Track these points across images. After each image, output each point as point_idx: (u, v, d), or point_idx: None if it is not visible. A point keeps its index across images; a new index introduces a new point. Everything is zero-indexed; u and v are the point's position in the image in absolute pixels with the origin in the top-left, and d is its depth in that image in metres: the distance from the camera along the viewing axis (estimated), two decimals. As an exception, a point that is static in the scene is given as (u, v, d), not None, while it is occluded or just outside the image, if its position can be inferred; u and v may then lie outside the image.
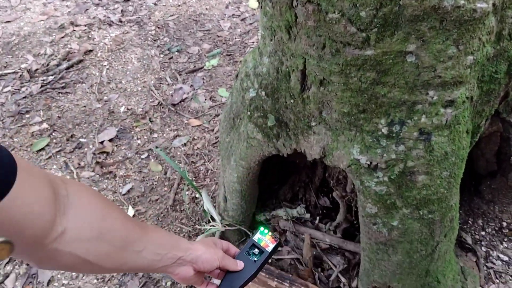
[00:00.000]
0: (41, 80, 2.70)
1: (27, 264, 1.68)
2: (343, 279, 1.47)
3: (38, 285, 1.66)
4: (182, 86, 2.64)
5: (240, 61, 2.84)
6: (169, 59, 2.90)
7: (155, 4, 3.43)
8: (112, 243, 0.72)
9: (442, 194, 1.07)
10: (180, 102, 2.55)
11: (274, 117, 1.22)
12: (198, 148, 2.22)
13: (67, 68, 2.79)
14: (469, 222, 1.68)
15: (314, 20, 0.87)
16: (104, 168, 2.14)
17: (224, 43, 3.03)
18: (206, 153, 2.19)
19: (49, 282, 1.67)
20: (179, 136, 2.30)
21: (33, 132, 2.35)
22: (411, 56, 0.87)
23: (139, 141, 2.29)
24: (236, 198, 1.53)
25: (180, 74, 2.76)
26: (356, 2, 0.80)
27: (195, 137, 2.29)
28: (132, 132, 2.35)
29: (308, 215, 1.68)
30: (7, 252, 0.54)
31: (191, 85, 2.67)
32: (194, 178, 2.06)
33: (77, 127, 2.40)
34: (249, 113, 1.28)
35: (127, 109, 2.50)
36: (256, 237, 1.05)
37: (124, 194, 2.00)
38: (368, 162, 1.04)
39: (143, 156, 2.20)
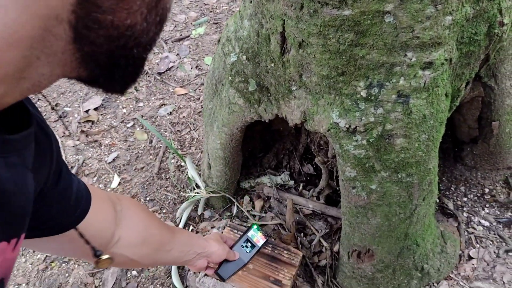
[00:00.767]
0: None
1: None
2: (325, 244, 1.49)
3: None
4: (168, 55, 2.60)
5: (227, 29, 2.79)
6: (155, 27, 2.84)
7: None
8: (151, 246, 0.93)
9: (420, 157, 1.08)
10: (166, 71, 2.52)
11: (255, 81, 1.21)
12: (183, 116, 2.21)
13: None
14: (452, 188, 1.70)
15: (291, -22, 0.85)
16: (89, 136, 2.12)
17: (211, 11, 2.98)
18: (191, 121, 2.18)
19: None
20: (164, 105, 2.28)
21: (16, 101, 2.31)
22: (389, 16, 0.86)
23: (124, 110, 2.27)
24: (220, 165, 1.53)
25: (166, 43, 2.71)
26: (332, -41, 0.78)
27: (181, 106, 2.28)
28: (118, 101, 2.33)
29: (292, 182, 1.69)
30: (108, 264, 0.75)
31: (177, 54, 2.63)
32: (179, 147, 2.05)
33: (61, 95, 2.37)
34: (230, 78, 1.27)
35: (112, 77, 2.45)
36: (250, 233, 1.30)
37: (109, 163, 1.99)
38: (347, 126, 1.04)
39: (128, 125, 2.18)
